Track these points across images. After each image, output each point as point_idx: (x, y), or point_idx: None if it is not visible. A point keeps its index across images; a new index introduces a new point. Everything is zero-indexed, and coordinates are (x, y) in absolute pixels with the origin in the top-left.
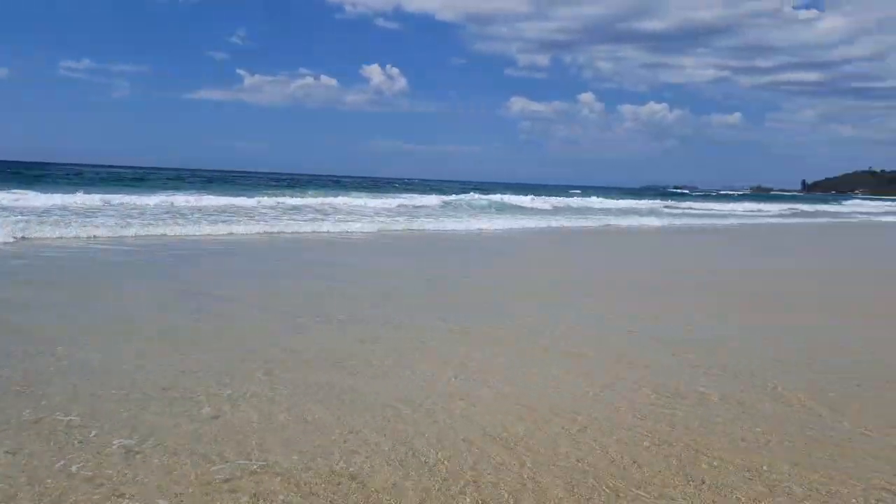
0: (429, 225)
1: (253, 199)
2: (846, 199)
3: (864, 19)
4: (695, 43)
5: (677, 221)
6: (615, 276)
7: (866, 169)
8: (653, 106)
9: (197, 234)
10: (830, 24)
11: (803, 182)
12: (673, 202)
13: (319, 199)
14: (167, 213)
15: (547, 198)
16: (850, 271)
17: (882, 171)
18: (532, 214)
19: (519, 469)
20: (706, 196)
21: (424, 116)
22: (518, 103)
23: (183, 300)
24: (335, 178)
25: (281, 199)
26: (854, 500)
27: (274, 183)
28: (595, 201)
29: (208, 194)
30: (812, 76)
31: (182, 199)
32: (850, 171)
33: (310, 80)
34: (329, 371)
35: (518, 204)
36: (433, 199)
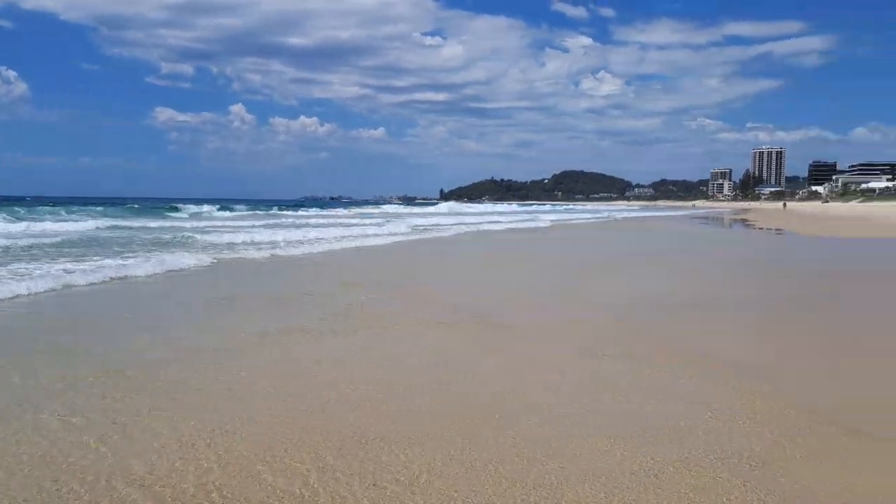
0: None
1: None
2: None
3: (479, 48)
4: (338, 61)
5: None
6: None
7: (489, 178)
8: (304, 120)
9: None
10: (452, 51)
11: (441, 191)
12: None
13: None
14: None
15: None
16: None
17: (502, 179)
18: None
19: None
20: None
21: (53, 126)
22: (164, 113)
23: None
24: None
25: None
26: None
27: None
28: None
29: None
30: (440, 96)
31: None
32: (477, 181)
33: None
34: None
35: None
36: None
